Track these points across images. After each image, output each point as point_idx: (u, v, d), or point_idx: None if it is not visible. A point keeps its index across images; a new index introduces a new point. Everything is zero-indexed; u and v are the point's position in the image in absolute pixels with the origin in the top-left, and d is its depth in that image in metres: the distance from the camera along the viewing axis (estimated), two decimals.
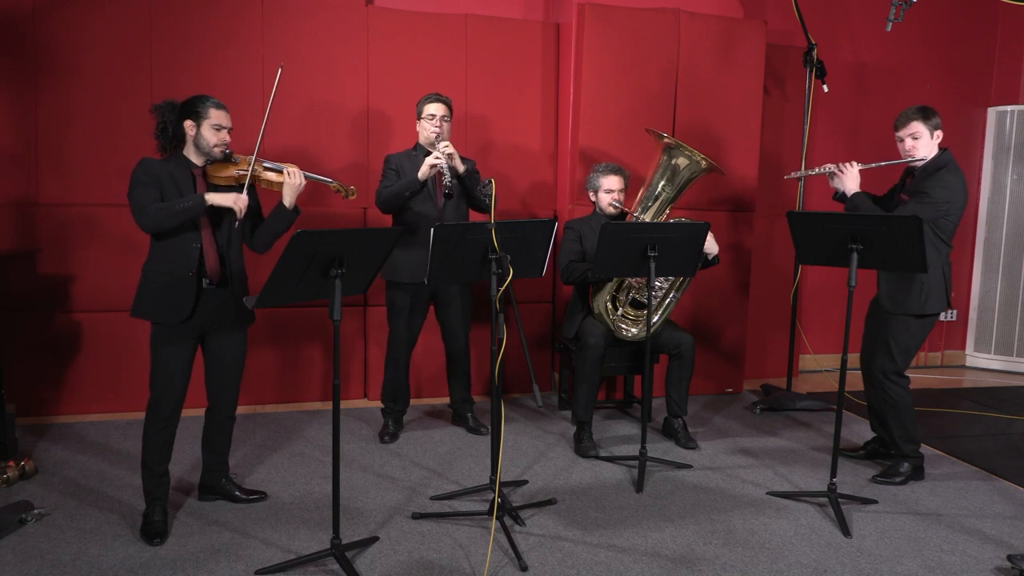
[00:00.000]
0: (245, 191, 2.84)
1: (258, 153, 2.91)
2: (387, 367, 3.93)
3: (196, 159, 2.88)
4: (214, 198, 2.78)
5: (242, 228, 2.90)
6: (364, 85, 4.42)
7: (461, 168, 3.65)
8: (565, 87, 4.61)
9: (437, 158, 3.55)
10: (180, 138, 2.87)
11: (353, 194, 3.14)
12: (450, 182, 3.57)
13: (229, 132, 2.89)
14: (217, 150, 2.86)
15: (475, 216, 3.90)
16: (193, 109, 2.83)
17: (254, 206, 2.97)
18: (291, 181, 2.92)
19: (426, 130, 3.71)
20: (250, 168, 2.88)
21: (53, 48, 4.00)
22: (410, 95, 4.43)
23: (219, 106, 2.86)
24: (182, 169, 2.85)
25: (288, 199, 2.94)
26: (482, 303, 4.32)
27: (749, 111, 4.69)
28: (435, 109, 3.70)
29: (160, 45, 4.12)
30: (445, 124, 3.71)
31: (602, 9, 4.39)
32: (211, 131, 2.83)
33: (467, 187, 3.72)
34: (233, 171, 2.90)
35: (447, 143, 3.60)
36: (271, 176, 2.95)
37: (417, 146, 3.81)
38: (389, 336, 3.91)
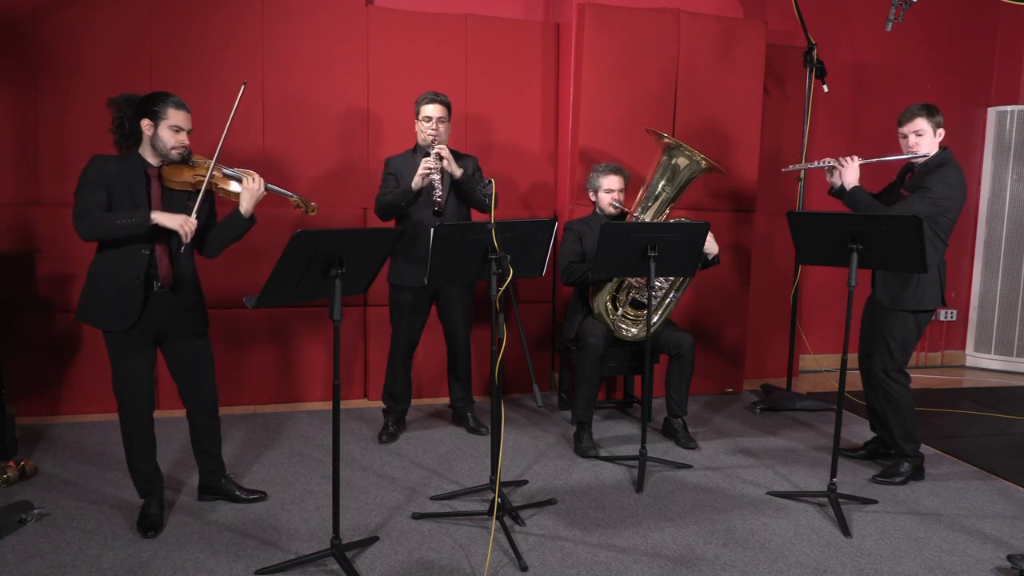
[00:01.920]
0: (195, 212, 2.73)
1: (221, 158, 2.82)
2: (390, 367, 3.92)
3: (152, 159, 2.78)
4: (160, 218, 2.67)
5: (190, 245, 2.80)
6: (364, 85, 4.42)
7: (457, 172, 3.60)
8: (565, 87, 4.61)
9: (429, 167, 3.49)
10: (137, 136, 2.76)
11: (314, 210, 2.99)
12: (439, 198, 3.52)
13: (188, 134, 2.78)
14: (175, 152, 2.75)
15: (476, 216, 3.88)
16: (151, 108, 2.72)
17: (206, 216, 2.88)
18: (250, 186, 2.81)
19: (422, 131, 3.65)
20: (207, 176, 2.77)
21: (53, 48, 4.00)
22: (410, 95, 4.42)
23: (179, 106, 2.75)
24: (136, 169, 2.75)
25: (245, 206, 2.83)
26: (482, 303, 4.32)
27: (749, 111, 4.69)
28: (431, 110, 3.62)
29: (160, 45, 4.12)
30: (442, 126, 3.64)
31: (602, 9, 4.39)
32: (169, 132, 2.73)
33: (464, 190, 3.67)
34: (190, 176, 2.79)
35: (442, 147, 3.53)
36: (231, 186, 2.83)
37: (416, 147, 3.76)
38: (392, 336, 3.90)
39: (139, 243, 2.72)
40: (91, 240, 2.72)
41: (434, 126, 3.62)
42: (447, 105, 3.68)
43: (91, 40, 4.04)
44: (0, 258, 3.93)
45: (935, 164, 3.34)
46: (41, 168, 4.06)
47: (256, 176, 2.85)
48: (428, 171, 3.50)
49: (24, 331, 4.02)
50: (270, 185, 2.91)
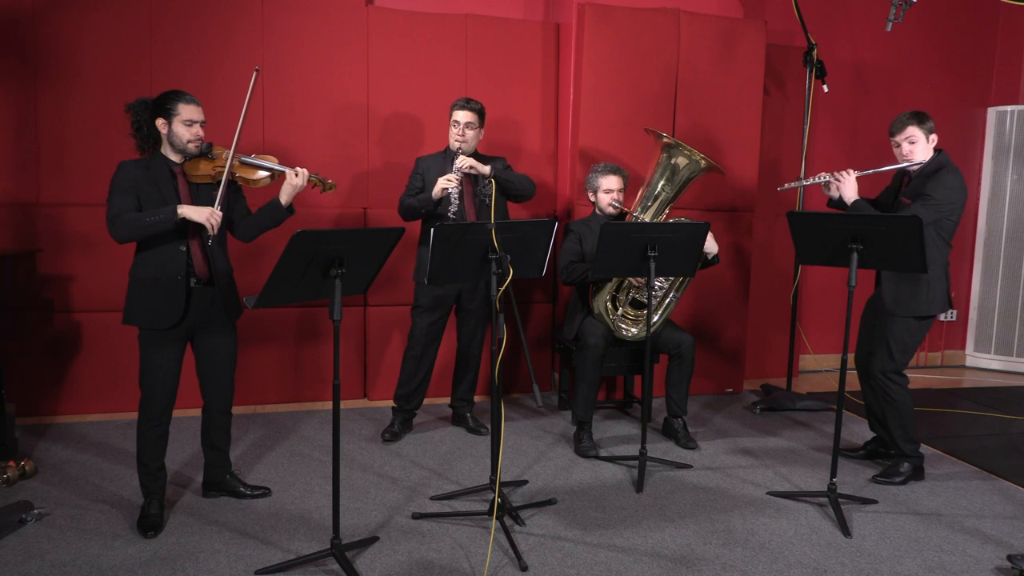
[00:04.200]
0: (218, 203, 2.79)
1: (239, 149, 2.89)
2: (405, 365, 3.89)
3: (174, 156, 2.86)
4: (186, 211, 2.74)
5: (222, 236, 2.89)
6: (364, 85, 4.42)
7: (485, 171, 3.65)
8: (565, 87, 4.61)
9: (449, 180, 3.57)
10: (156, 137, 2.84)
11: (331, 187, 3.08)
12: (453, 214, 3.62)
13: (202, 126, 2.85)
14: (191, 146, 2.83)
15: (515, 209, 3.90)
16: (163, 107, 2.80)
17: (233, 204, 2.96)
18: (293, 181, 2.93)
19: (451, 136, 3.71)
20: (227, 167, 2.84)
21: (53, 48, 4.00)
22: (410, 95, 4.44)
23: (188, 100, 2.81)
24: (161, 169, 2.83)
25: (285, 197, 2.96)
26: (482, 303, 4.32)
27: (749, 111, 4.69)
28: (460, 116, 3.69)
29: (160, 45, 4.12)
30: (469, 132, 3.69)
31: (602, 9, 4.39)
32: (183, 127, 2.80)
33: (501, 185, 3.71)
34: (209, 168, 2.86)
35: (463, 158, 3.61)
36: (252, 174, 2.92)
37: (447, 149, 3.80)
38: (411, 334, 3.89)
39: (175, 241, 2.79)
40: (125, 241, 2.78)
41: (461, 132, 3.68)
42: (477, 112, 3.74)
43: (91, 40, 4.04)
44: (0, 258, 3.93)
45: (933, 169, 3.35)
46: (41, 168, 4.06)
47: (302, 171, 2.94)
48: (447, 186, 3.58)
49: (24, 331, 4.02)
50: (312, 175, 2.99)
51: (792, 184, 3.74)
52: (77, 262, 4.06)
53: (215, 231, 2.78)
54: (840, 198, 3.48)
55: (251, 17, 4.23)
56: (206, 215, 2.76)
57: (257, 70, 2.99)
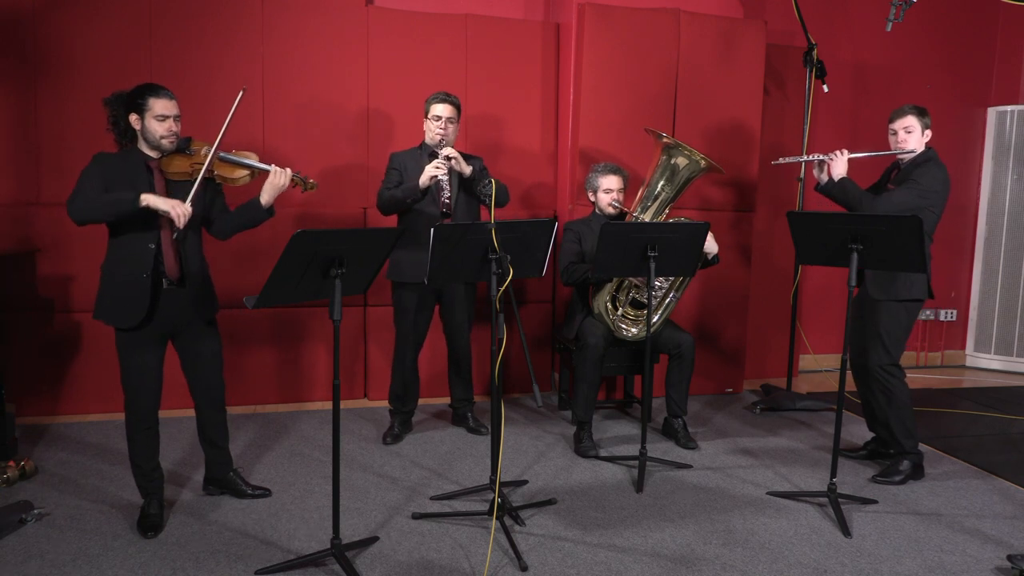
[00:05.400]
0: (189, 199, 2.69)
1: (220, 148, 2.80)
2: (394, 368, 3.91)
3: (151, 152, 2.78)
4: (151, 200, 2.62)
5: (184, 234, 2.76)
6: (364, 85, 4.42)
7: (467, 171, 3.62)
8: (565, 87, 4.61)
9: (438, 167, 3.51)
10: (133, 132, 2.76)
11: (313, 187, 2.97)
12: (448, 199, 3.55)
13: (177, 120, 2.76)
14: (165, 141, 2.74)
15: (485, 214, 3.87)
16: (135, 102, 2.72)
17: (209, 202, 2.88)
18: (275, 181, 2.84)
19: (431, 131, 3.67)
20: (205, 164, 2.75)
21: (53, 48, 4.00)
22: (410, 95, 4.44)
23: (159, 95, 2.72)
24: (137, 164, 2.75)
25: (266, 197, 2.87)
26: (482, 303, 4.32)
27: (749, 111, 4.69)
28: (441, 110, 3.65)
29: (160, 45, 4.12)
30: (451, 126, 3.67)
31: (602, 9, 4.39)
32: (155, 123, 2.71)
33: (473, 190, 3.68)
34: (186, 165, 2.77)
35: (450, 148, 3.56)
36: (232, 173, 2.82)
37: (422, 145, 3.77)
38: (396, 337, 3.89)
39: (144, 238, 2.72)
40: (82, 221, 2.68)
41: (443, 126, 3.64)
42: (457, 106, 3.70)
43: (91, 40, 4.04)
44: (0, 258, 3.93)
45: (921, 160, 3.43)
46: (41, 168, 4.06)
47: (282, 171, 2.84)
48: (437, 172, 3.52)
49: (24, 331, 4.02)
50: (294, 174, 2.89)
51: (786, 159, 3.71)
52: (77, 262, 4.06)
53: (182, 224, 2.67)
54: (827, 183, 3.51)
55: (251, 17, 4.23)
56: (171, 205, 2.64)
57: (244, 90, 2.90)
